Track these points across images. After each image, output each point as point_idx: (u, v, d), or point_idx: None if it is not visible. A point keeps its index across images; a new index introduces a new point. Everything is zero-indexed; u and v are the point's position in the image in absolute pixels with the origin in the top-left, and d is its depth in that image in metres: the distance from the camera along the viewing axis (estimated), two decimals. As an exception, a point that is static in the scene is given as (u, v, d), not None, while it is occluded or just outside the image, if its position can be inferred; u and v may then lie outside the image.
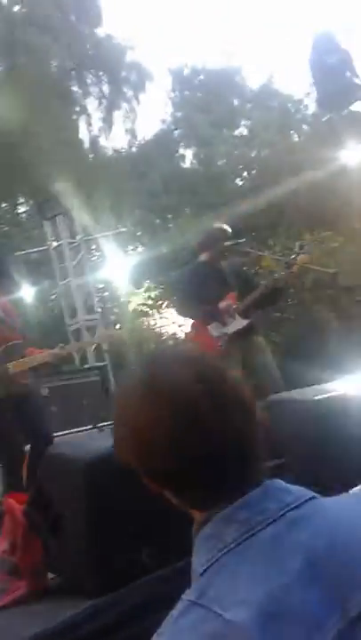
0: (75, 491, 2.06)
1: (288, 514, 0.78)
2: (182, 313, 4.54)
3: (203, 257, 4.33)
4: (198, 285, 4.16)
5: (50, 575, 2.21)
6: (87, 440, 3.40)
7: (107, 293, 11.13)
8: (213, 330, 4.04)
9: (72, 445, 2.36)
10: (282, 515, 0.78)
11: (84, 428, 4.89)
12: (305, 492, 0.82)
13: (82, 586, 1.97)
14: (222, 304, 4.03)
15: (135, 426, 0.82)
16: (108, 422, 5.27)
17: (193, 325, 4.29)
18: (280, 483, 0.83)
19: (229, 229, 4.36)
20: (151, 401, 0.81)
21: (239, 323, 4.02)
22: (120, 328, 5.19)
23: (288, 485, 0.83)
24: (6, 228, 12.29)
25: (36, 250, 8.95)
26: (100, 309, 8.68)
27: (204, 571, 0.78)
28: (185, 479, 0.81)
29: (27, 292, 7.96)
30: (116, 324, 10.66)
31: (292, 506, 0.79)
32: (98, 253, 10.84)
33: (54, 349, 3.71)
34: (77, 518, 2.03)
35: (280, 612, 0.70)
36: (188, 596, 0.76)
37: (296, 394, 2.71)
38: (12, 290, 4.08)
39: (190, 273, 4.35)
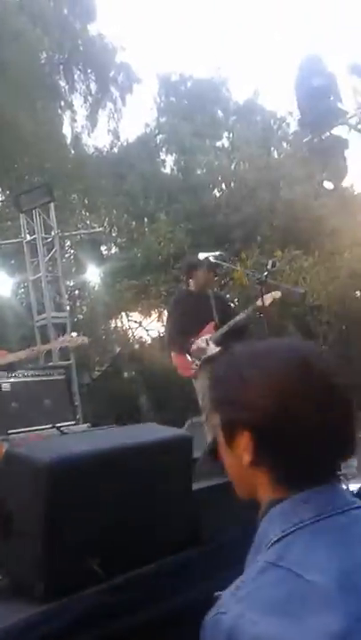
0: (31, 492, 2.04)
1: (353, 511, 0.88)
2: (166, 340, 4.99)
3: (189, 285, 4.71)
4: (179, 315, 4.69)
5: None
6: (48, 441, 3.37)
7: (77, 292, 11.08)
8: (189, 356, 4.58)
9: (32, 446, 2.34)
10: (347, 510, 0.88)
11: (44, 427, 4.85)
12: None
13: (30, 590, 1.95)
14: (193, 346, 4.52)
15: (283, 390, 0.88)
16: (68, 423, 5.24)
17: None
18: (340, 487, 0.93)
19: (213, 259, 4.67)
20: (303, 370, 0.89)
21: (212, 350, 4.48)
22: (84, 334, 5.17)
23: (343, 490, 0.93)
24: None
25: (8, 242, 8.84)
26: (68, 307, 8.62)
27: (279, 539, 0.85)
28: (304, 447, 0.87)
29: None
30: (84, 323, 10.60)
31: (355, 505, 0.89)
32: (71, 251, 10.77)
33: (22, 351, 3.75)
34: (32, 521, 2.01)
35: (353, 585, 0.77)
36: (264, 558, 0.83)
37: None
38: None
39: (175, 302, 4.85)
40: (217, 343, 4.49)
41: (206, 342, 4.53)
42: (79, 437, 3.15)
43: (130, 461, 2.19)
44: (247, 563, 0.88)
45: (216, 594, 0.84)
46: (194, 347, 4.57)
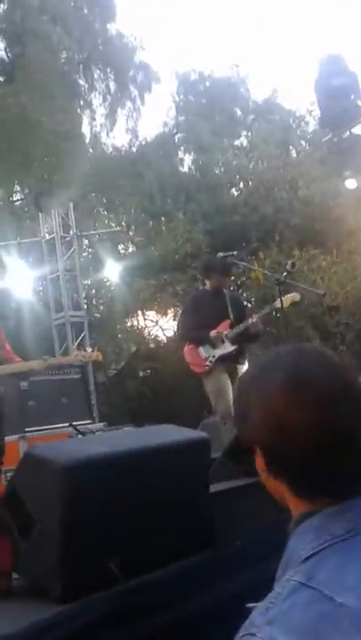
0: (50, 494, 2.05)
1: None
2: (179, 334, 4.91)
3: (207, 284, 4.67)
4: (195, 311, 4.62)
5: (14, 576, 2.21)
6: (66, 443, 3.39)
7: (94, 291, 11.11)
8: (203, 351, 4.49)
9: (51, 448, 2.35)
10: None
11: (61, 425, 4.87)
12: None
13: (48, 590, 1.97)
14: (212, 332, 4.45)
15: (275, 409, 0.87)
16: (85, 422, 5.27)
17: (188, 344, 4.71)
18: None
19: (231, 259, 4.66)
20: (294, 387, 0.87)
21: (227, 348, 4.42)
22: (95, 346, 5.14)
23: None
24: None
25: (27, 240, 8.90)
26: (85, 306, 8.65)
27: (309, 556, 0.82)
28: (308, 465, 0.86)
29: (14, 284, 7.90)
30: (101, 322, 10.63)
31: None
32: (90, 250, 10.81)
33: (35, 361, 3.82)
34: (50, 522, 2.03)
35: None
36: (293, 577, 0.81)
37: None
38: None
39: (192, 298, 4.84)
40: (232, 341, 4.42)
41: (222, 339, 4.45)
42: (97, 439, 3.16)
43: (147, 463, 2.19)
44: (276, 578, 0.86)
45: (248, 605, 0.84)
46: (213, 333, 4.45)
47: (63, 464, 2.02)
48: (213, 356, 4.44)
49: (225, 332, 4.45)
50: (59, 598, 1.91)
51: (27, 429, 4.91)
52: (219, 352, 4.45)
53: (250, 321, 4.40)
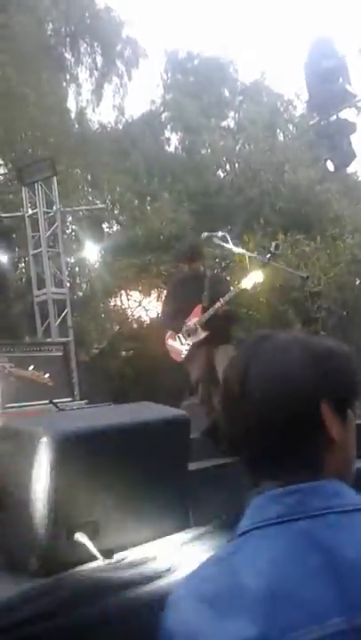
0: (27, 467, 2.02)
1: (329, 516, 0.83)
2: (160, 321, 5.07)
3: (183, 268, 4.69)
4: (175, 296, 4.73)
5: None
6: (45, 417, 3.36)
7: (77, 269, 11.01)
8: (180, 341, 4.63)
9: (30, 421, 2.32)
10: (322, 514, 0.83)
11: (41, 402, 4.83)
12: (358, 502, 0.87)
13: (24, 565, 1.94)
14: (188, 322, 4.56)
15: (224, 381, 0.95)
16: (66, 400, 5.24)
17: (168, 332, 4.81)
18: (339, 486, 0.88)
19: (215, 240, 4.65)
20: (240, 370, 0.91)
21: (199, 335, 4.51)
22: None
23: (346, 490, 0.88)
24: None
25: (10, 215, 8.75)
26: (69, 284, 8.57)
27: (243, 533, 0.87)
28: (235, 450, 0.93)
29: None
30: (83, 301, 10.55)
31: (336, 510, 0.84)
32: (73, 227, 10.69)
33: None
34: (26, 496, 2.00)
35: (287, 594, 0.77)
36: (225, 548, 0.88)
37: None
38: None
39: (173, 283, 4.90)
40: (204, 327, 4.45)
41: (195, 327, 4.50)
42: (77, 414, 3.14)
43: (128, 439, 2.17)
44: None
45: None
46: (184, 329, 4.55)
47: (40, 436, 1.99)
48: (188, 344, 4.54)
49: (195, 321, 4.51)
50: (34, 573, 1.89)
51: (6, 405, 4.87)
52: (192, 340, 4.53)
53: (217, 305, 4.41)
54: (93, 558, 1.91)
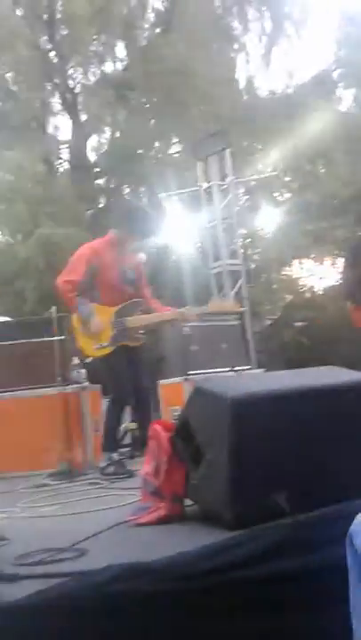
0: (218, 426, 2.12)
1: None
2: (342, 291, 4.84)
3: None
4: (357, 264, 4.33)
5: (187, 502, 2.34)
6: (234, 379, 3.47)
7: (249, 239, 11.05)
8: None
9: (219, 383, 2.43)
10: None
11: (223, 369, 4.99)
12: None
13: (220, 517, 2.05)
14: None
15: None
16: (244, 367, 5.34)
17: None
18: None
19: None
20: None
21: None
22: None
23: None
24: (158, 168, 12.50)
25: (186, 190, 9.04)
26: (242, 254, 8.64)
27: None
28: None
29: (173, 234, 8.12)
30: (256, 271, 10.59)
31: None
32: (246, 197, 10.72)
33: (178, 309, 3.97)
34: (220, 452, 2.10)
35: None
36: None
37: None
38: (148, 235, 4.19)
39: (353, 248, 4.58)
40: None
41: None
42: (264, 377, 3.20)
43: (314, 402, 2.16)
44: None
45: None
46: None
47: (231, 397, 2.07)
48: None
49: None
50: (229, 525, 1.98)
51: (189, 372, 5.10)
52: None
53: None
54: (285, 515, 1.95)
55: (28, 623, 1.44)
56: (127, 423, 4.10)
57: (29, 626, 1.43)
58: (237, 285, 8.18)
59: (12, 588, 1.58)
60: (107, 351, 3.82)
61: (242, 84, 14.44)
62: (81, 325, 3.86)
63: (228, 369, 4.91)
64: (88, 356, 4.04)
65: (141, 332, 4.03)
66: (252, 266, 11.34)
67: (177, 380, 5.01)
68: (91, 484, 3.50)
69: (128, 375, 3.84)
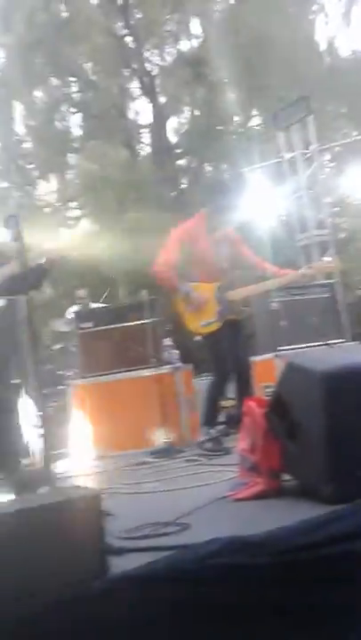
0: (313, 400, 2.10)
1: None
2: None
3: None
4: None
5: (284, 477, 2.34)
6: (324, 353, 3.41)
7: (337, 208, 10.67)
8: None
9: (311, 357, 2.39)
10: None
11: (314, 343, 4.89)
12: None
13: (318, 491, 2.04)
14: None
15: None
16: (337, 341, 5.20)
17: None
18: None
19: None
20: None
21: None
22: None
23: None
24: (239, 143, 12.32)
25: (268, 163, 8.84)
26: (330, 224, 8.36)
27: None
28: None
29: (257, 208, 7.98)
30: (344, 242, 10.24)
31: None
32: (332, 164, 10.35)
33: (294, 272, 3.98)
34: (315, 427, 2.08)
35: None
36: None
37: None
38: (232, 208, 4.13)
39: None
40: None
41: None
42: (358, 349, 3.11)
43: None
44: None
45: None
46: None
47: (321, 371, 2.04)
48: None
49: None
50: (329, 499, 1.97)
51: (279, 348, 5.05)
52: None
53: None
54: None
55: (137, 594, 1.51)
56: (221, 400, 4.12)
57: (137, 597, 1.50)
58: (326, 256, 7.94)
59: (120, 560, 1.66)
60: (214, 327, 3.85)
61: (322, 47, 13.87)
62: (185, 305, 3.89)
63: (320, 343, 4.80)
64: (198, 334, 4.03)
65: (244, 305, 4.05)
66: (342, 235, 10.97)
67: (268, 356, 4.98)
68: (188, 460, 3.58)
69: (231, 350, 3.85)
